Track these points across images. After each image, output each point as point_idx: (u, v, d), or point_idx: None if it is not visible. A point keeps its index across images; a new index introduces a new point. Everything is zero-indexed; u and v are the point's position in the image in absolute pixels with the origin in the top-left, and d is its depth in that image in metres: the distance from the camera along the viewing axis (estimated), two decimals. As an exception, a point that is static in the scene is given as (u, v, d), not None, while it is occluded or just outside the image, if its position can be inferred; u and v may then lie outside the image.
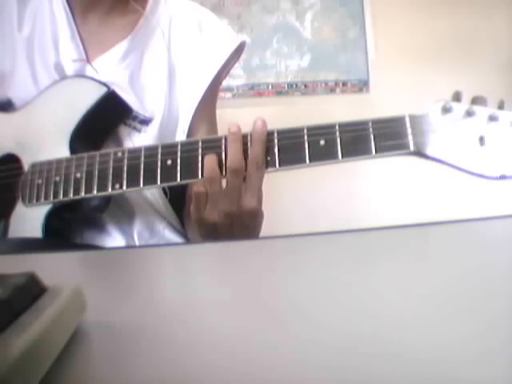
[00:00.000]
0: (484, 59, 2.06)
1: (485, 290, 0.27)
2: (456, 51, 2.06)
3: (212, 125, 0.91)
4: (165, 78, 0.83)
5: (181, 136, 0.84)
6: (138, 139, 0.79)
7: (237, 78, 2.04)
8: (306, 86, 2.08)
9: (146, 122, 0.81)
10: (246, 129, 0.66)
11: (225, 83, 2.02)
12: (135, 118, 0.80)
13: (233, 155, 0.63)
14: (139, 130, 0.80)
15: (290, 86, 2.08)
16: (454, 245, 0.40)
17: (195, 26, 0.86)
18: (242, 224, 0.66)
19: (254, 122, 0.64)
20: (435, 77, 1.94)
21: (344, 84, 2.09)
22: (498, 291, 0.27)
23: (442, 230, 0.45)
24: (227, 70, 0.89)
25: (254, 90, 2.07)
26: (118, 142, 0.79)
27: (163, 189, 0.82)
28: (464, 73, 1.96)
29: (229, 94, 2.04)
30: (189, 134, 0.84)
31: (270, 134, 0.64)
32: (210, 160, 0.64)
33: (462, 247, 0.39)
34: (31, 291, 0.22)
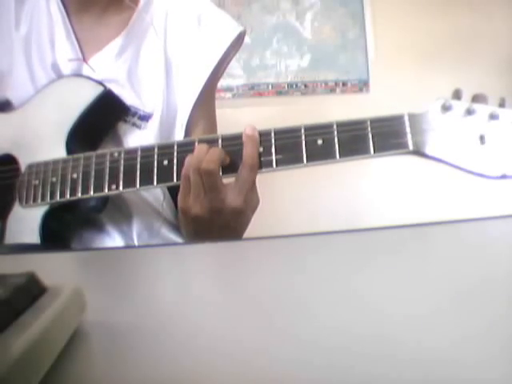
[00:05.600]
0: (484, 59, 2.06)
1: (485, 290, 0.27)
2: (456, 51, 2.07)
3: (211, 120, 0.89)
4: (161, 73, 0.82)
5: (179, 132, 0.82)
6: (138, 136, 0.78)
7: (237, 77, 2.04)
8: (305, 85, 2.08)
9: (145, 117, 0.80)
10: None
11: (225, 83, 2.03)
12: (134, 113, 0.79)
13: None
14: (139, 127, 0.79)
15: (290, 86, 2.08)
16: (454, 245, 0.40)
17: (194, 19, 0.85)
18: (224, 220, 0.65)
19: (244, 130, 0.63)
20: (435, 76, 1.94)
21: (344, 84, 2.09)
22: (498, 291, 0.27)
23: (442, 230, 0.45)
24: (227, 62, 0.87)
25: (254, 90, 2.07)
26: (118, 140, 0.79)
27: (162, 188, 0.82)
28: (464, 72, 1.96)
29: (229, 94, 2.04)
30: (187, 129, 0.82)
31: (266, 134, 0.63)
32: (215, 153, 0.62)
33: (461, 247, 0.39)
34: (31, 291, 0.22)
